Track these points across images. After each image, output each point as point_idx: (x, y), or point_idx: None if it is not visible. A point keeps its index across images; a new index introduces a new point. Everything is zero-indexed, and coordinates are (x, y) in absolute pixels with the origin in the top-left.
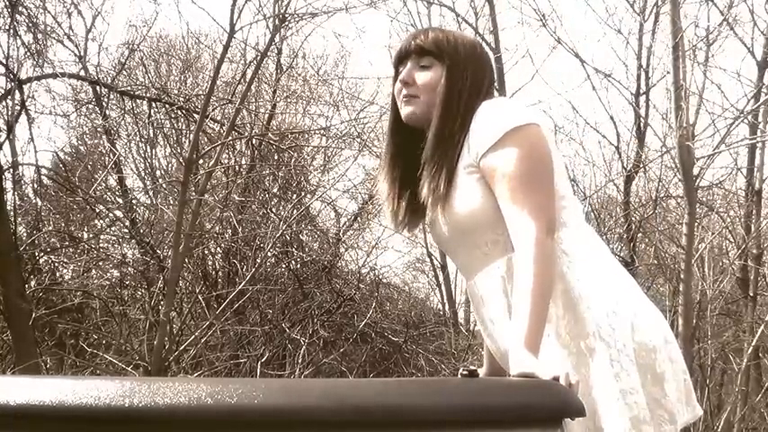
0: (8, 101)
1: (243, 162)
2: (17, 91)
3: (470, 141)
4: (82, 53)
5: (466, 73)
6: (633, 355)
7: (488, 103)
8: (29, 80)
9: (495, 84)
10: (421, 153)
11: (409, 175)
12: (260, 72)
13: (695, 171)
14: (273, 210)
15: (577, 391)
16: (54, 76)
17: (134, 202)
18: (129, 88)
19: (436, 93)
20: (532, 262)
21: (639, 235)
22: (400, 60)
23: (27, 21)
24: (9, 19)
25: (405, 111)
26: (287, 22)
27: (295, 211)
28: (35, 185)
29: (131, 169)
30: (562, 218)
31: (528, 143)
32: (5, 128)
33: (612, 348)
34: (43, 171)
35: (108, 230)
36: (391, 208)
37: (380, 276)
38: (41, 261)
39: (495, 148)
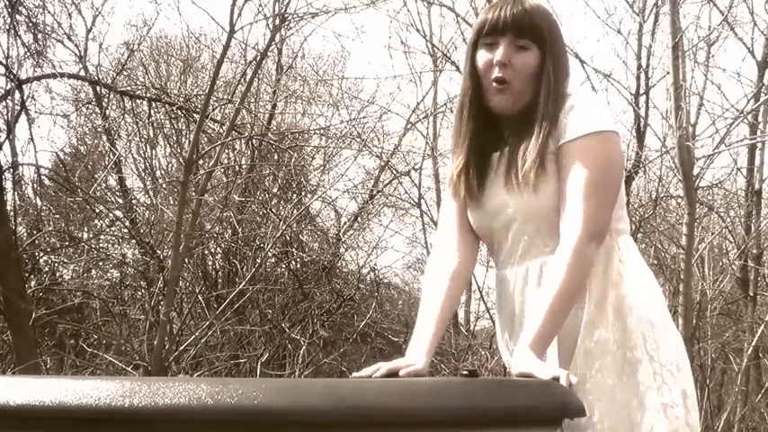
0: (8, 101)
1: (243, 162)
2: (17, 91)
3: (557, 126)
4: (82, 53)
5: (562, 57)
6: (676, 371)
7: (581, 97)
8: (29, 80)
9: None
10: (494, 131)
11: (481, 151)
12: (260, 72)
13: (695, 171)
14: (273, 210)
15: (577, 391)
16: (54, 76)
17: (134, 202)
18: (129, 88)
19: (532, 78)
20: (566, 265)
21: (639, 235)
22: (492, 33)
23: (27, 21)
24: (9, 19)
25: (496, 99)
26: (287, 22)
27: (295, 211)
28: (35, 185)
29: (131, 169)
30: (620, 226)
31: (608, 150)
32: (5, 128)
33: (656, 362)
34: (43, 171)
35: (108, 230)
36: (463, 179)
37: (380, 276)
38: (41, 261)
39: (577, 142)
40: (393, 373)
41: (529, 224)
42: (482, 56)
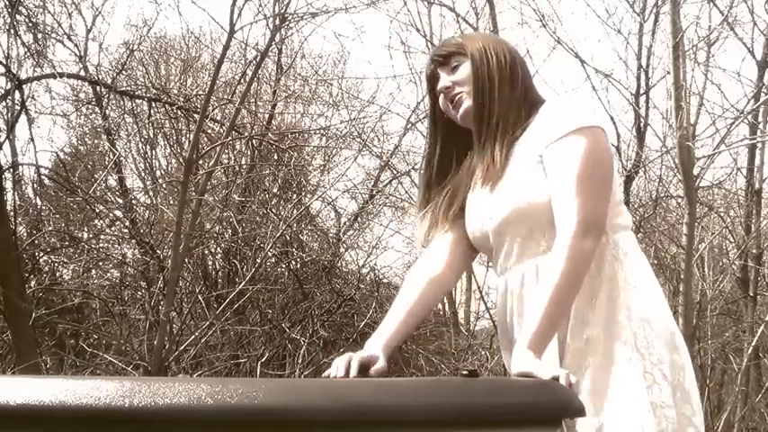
0: (8, 101)
1: (243, 162)
2: (17, 91)
3: (538, 130)
4: (82, 53)
5: (490, 50)
6: (668, 371)
7: (562, 98)
8: (29, 80)
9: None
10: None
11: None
12: (260, 72)
13: (695, 171)
14: (273, 210)
15: (578, 391)
16: (54, 76)
17: (134, 202)
18: (129, 88)
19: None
20: (561, 262)
21: (639, 235)
22: (431, 79)
23: (27, 21)
24: (9, 19)
25: (458, 111)
26: (287, 22)
27: (295, 211)
28: (35, 185)
29: (131, 169)
30: (615, 221)
31: (591, 144)
32: (5, 128)
33: (646, 360)
34: (43, 171)
35: (108, 230)
36: (437, 221)
37: (380, 276)
38: (41, 261)
39: (560, 142)
40: (363, 370)
41: (521, 225)
42: (440, 100)
